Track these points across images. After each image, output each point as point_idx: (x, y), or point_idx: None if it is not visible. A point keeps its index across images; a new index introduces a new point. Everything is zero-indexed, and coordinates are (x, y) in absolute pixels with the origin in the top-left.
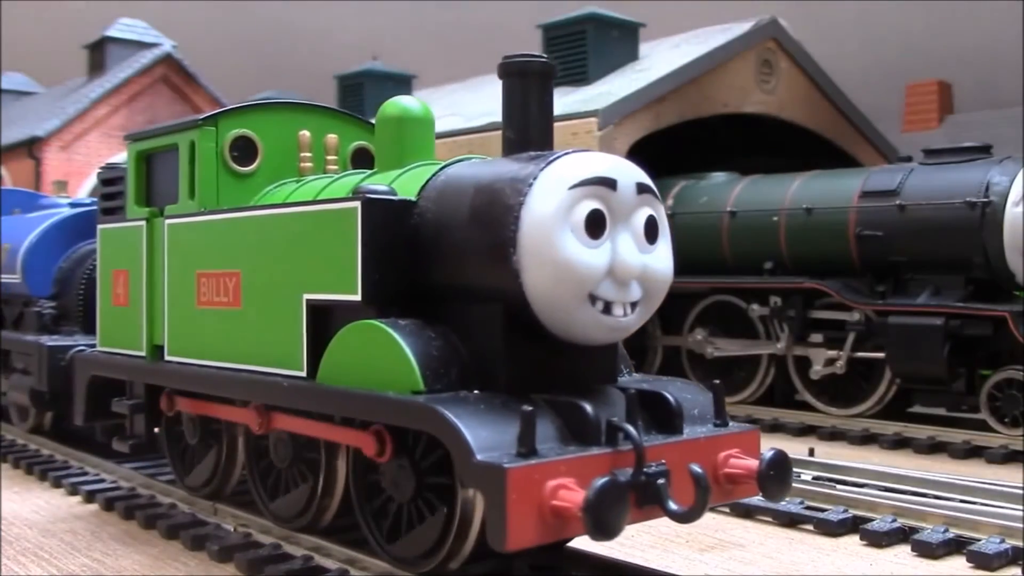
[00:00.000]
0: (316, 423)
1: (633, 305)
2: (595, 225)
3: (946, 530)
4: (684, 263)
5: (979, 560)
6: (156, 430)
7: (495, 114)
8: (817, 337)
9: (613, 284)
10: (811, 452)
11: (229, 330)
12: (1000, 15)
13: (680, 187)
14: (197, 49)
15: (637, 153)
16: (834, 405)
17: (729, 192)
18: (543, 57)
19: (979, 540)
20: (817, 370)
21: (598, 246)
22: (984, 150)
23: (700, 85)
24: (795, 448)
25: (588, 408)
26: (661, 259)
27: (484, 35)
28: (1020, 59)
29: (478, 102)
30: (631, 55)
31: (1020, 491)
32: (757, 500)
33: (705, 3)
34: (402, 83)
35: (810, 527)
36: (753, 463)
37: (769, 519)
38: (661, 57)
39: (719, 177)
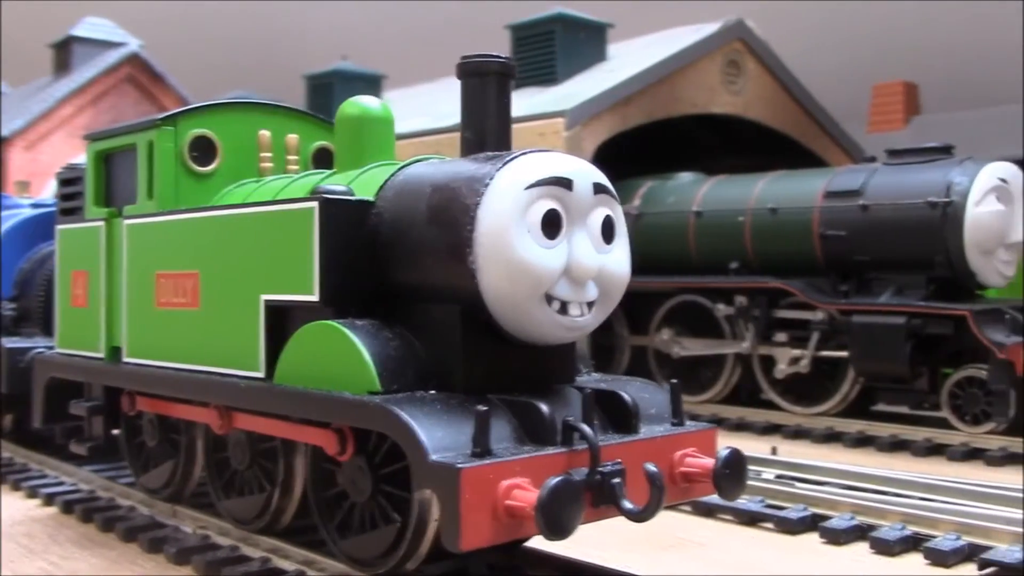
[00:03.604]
0: (278, 422)
1: (590, 305)
2: (551, 225)
3: (904, 527)
4: (651, 263)
5: (935, 557)
6: (115, 432)
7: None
8: (782, 336)
9: (569, 284)
10: (774, 451)
11: (188, 331)
12: (967, 16)
13: (647, 187)
14: (166, 48)
15: (606, 153)
16: (799, 404)
17: (695, 192)
18: (502, 57)
19: (936, 537)
20: (781, 369)
21: (554, 246)
22: (946, 151)
23: (668, 86)
24: (759, 447)
25: (544, 408)
26: (618, 259)
27: (454, 35)
28: (986, 60)
29: (448, 102)
30: (599, 55)
31: (978, 489)
32: (718, 499)
33: (674, 4)
34: (372, 83)
35: (770, 525)
36: (709, 462)
37: (730, 518)
38: (629, 58)
39: (686, 177)
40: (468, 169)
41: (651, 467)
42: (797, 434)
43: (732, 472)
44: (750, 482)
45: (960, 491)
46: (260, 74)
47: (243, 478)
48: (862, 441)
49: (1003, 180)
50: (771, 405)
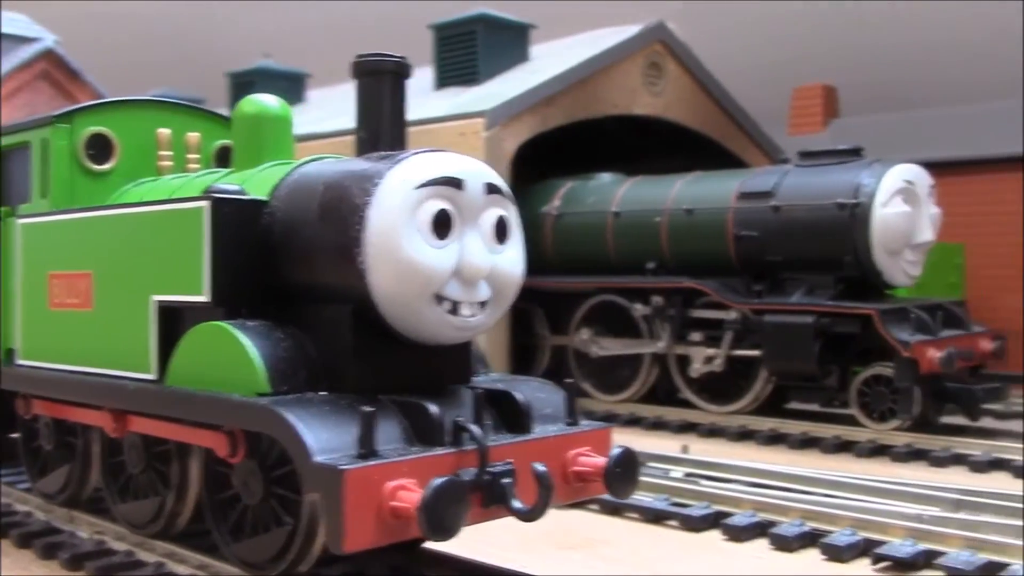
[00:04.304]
0: (170, 425)
1: (482, 305)
2: (441, 225)
3: (802, 524)
4: (571, 263)
5: (832, 552)
6: (13, 436)
7: None
8: (697, 336)
9: (460, 284)
10: (684, 449)
11: (81, 332)
12: (886, 21)
13: (568, 187)
14: (88, 46)
15: (530, 153)
16: (714, 403)
17: (614, 193)
18: (396, 57)
19: (833, 533)
20: (696, 368)
21: (444, 246)
22: (855, 153)
23: (589, 87)
24: (674, 445)
25: (432, 408)
26: (511, 259)
27: (378, 34)
28: (904, 64)
29: None
30: (521, 56)
31: (877, 485)
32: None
33: (597, 4)
34: (295, 81)
35: (675, 523)
36: (601, 461)
37: (636, 516)
38: (551, 58)
39: (605, 178)
40: (359, 168)
41: (539, 467)
42: (712, 432)
43: (624, 471)
44: (658, 480)
45: (861, 487)
46: (183, 72)
47: (138, 482)
48: (774, 439)
49: (909, 182)
50: (687, 404)
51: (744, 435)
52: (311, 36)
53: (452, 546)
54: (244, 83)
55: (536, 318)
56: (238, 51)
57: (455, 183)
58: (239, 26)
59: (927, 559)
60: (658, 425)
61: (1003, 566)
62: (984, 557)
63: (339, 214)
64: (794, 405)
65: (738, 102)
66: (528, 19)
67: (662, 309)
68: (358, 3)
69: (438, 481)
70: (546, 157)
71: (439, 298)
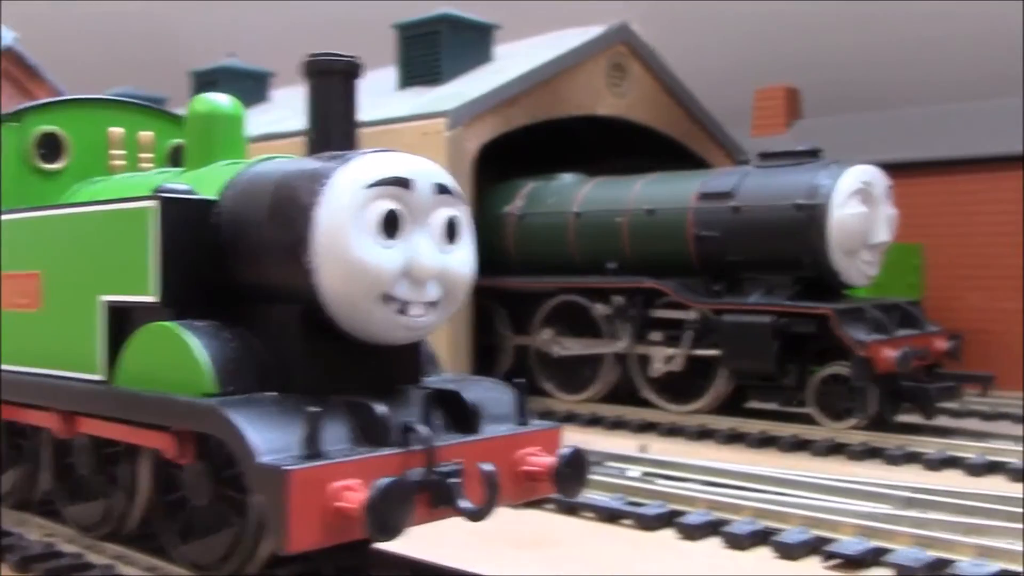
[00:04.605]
0: (119, 426)
1: (432, 305)
2: (390, 225)
3: (754, 522)
4: (534, 263)
5: (783, 550)
6: None
7: None
8: (657, 336)
9: (409, 284)
10: (642, 448)
11: (30, 333)
12: (849, 23)
13: (530, 188)
14: (49, 44)
15: (494, 153)
16: (674, 402)
17: (576, 193)
18: (347, 56)
19: (784, 530)
20: (656, 368)
21: (393, 246)
22: (813, 154)
23: (551, 87)
24: (634, 445)
25: (379, 409)
26: (461, 260)
27: (342, 33)
28: (865, 65)
29: None
30: (485, 56)
31: (833, 483)
32: (580, 496)
33: (562, 5)
34: (259, 80)
35: (629, 522)
36: (550, 460)
37: (592, 515)
38: (514, 59)
39: (567, 178)
40: (308, 168)
41: (486, 466)
42: (671, 431)
43: (572, 470)
44: (615, 480)
45: (812, 485)
46: (147, 70)
47: (88, 484)
48: (733, 438)
49: (866, 183)
50: (648, 404)
51: (703, 434)
52: (275, 35)
53: (405, 546)
54: (207, 82)
55: (499, 318)
56: (202, 50)
57: (404, 183)
58: (203, 25)
59: (876, 556)
60: (619, 424)
61: (950, 563)
62: (932, 554)
63: (287, 214)
64: (753, 404)
65: (701, 103)
66: (492, 19)
67: (623, 309)
68: (322, 2)
69: (383, 482)
70: (510, 157)
71: (388, 298)
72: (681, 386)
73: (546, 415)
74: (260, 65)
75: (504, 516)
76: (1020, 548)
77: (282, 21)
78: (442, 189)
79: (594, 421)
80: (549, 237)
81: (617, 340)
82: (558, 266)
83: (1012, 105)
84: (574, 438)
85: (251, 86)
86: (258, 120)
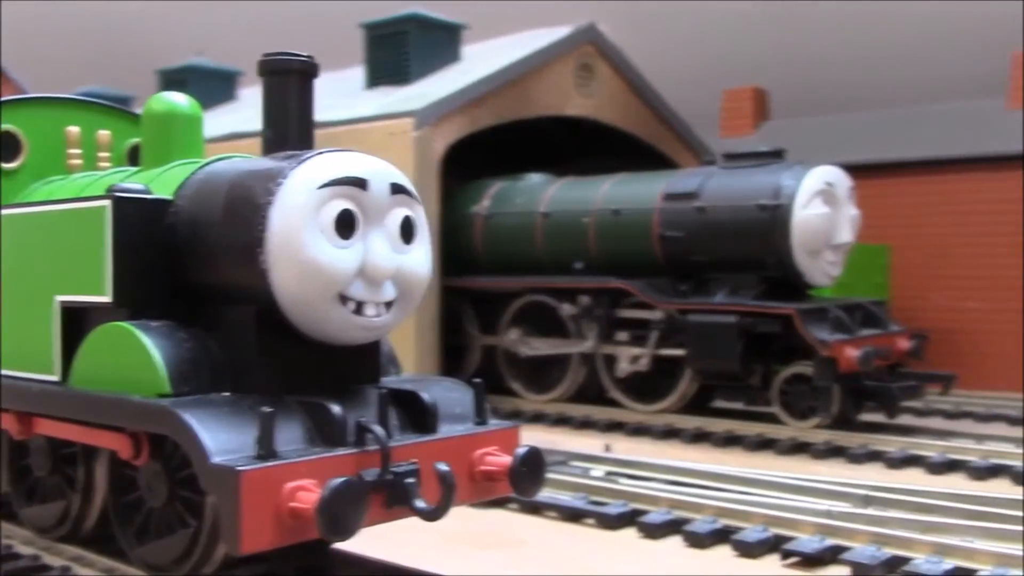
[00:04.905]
0: (75, 427)
1: (388, 305)
2: (345, 225)
3: (716, 521)
4: (501, 263)
5: (743, 549)
6: None
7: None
8: (623, 335)
9: (365, 284)
10: (607, 448)
11: None
12: (817, 25)
13: (498, 188)
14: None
15: (464, 154)
16: (641, 402)
17: (543, 193)
18: (303, 56)
19: (744, 529)
20: (623, 368)
21: (348, 246)
22: (777, 155)
23: (519, 87)
24: (600, 444)
25: (335, 409)
26: (418, 260)
27: (310, 33)
28: (835, 67)
29: None
30: (453, 56)
31: (793, 482)
32: (543, 496)
33: (531, 5)
34: (227, 79)
35: (592, 521)
36: (507, 460)
37: (555, 515)
38: (482, 59)
39: (535, 178)
40: (263, 168)
41: (442, 466)
42: (638, 431)
43: (529, 470)
44: (579, 480)
45: (773, 484)
46: (116, 69)
47: (45, 485)
48: (698, 437)
49: (829, 184)
50: (615, 403)
51: (669, 434)
52: (245, 34)
53: (366, 546)
54: (175, 81)
55: (467, 318)
56: (171, 48)
57: (359, 183)
58: (172, 23)
59: (834, 554)
60: (586, 424)
61: (906, 560)
62: (889, 552)
63: (242, 214)
64: (719, 404)
65: (669, 104)
66: (461, 19)
67: (589, 309)
68: (292, 1)
69: (335, 482)
70: (478, 158)
71: (343, 298)
72: (648, 386)
73: (514, 415)
74: (229, 64)
75: (467, 516)
76: (976, 546)
77: (251, 20)
78: (398, 189)
79: (561, 421)
80: (516, 237)
81: (584, 340)
82: (525, 266)
83: (977, 107)
84: (541, 438)
85: (219, 85)
86: (225, 119)
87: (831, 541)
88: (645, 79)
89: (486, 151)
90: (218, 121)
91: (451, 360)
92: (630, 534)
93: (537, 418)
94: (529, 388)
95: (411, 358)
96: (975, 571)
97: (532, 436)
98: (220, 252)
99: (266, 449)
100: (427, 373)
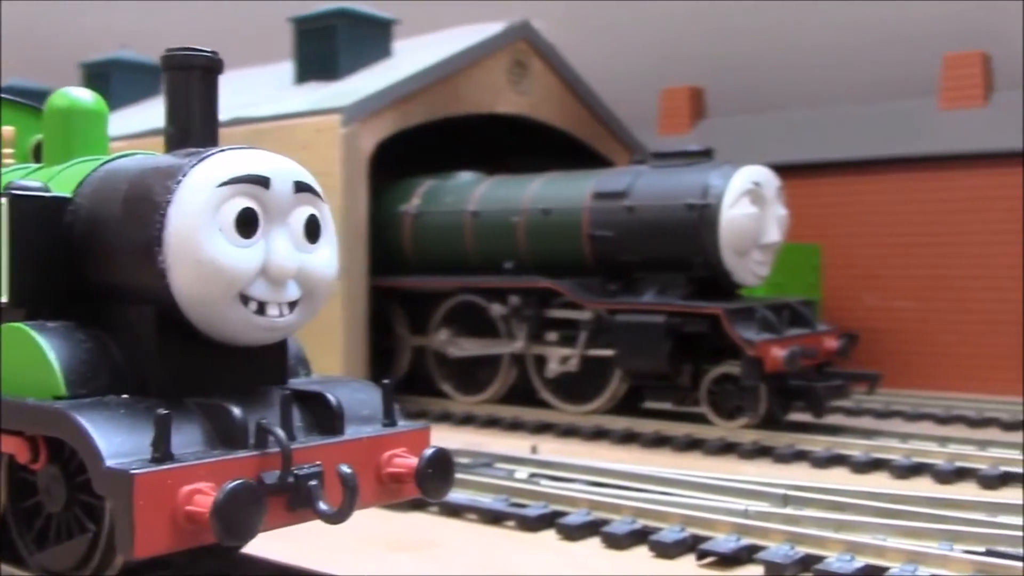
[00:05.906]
0: None
1: (292, 305)
2: (246, 224)
3: (634, 521)
4: (431, 263)
5: (660, 549)
6: None
7: (240, 108)
8: (553, 336)
9: (267, 284)
10: (533, 449)
11: None
12: (753, 25)
13: (427, 186)
14: None
15: (395, 151)
16: (571, 403)
17: (473, 192)
18: (207, 51)
19: (662, 529)
20: (552, 368)
21: (249, 245)
22: (706, 154)
23: (450, 84)
24: (528, 446)
25: (234, 410)
26: (323, 259)
27: (239, 27)
28: (771, 67)
29: (227, 96)
30: (384, 52)
31: (713, 482)
32: (463, 498)
33: (464, 2)
34: (152, 73)
35: (512, 523)
36: (413, 461)
37: (475, 517)
38: (414, 55)
39: (464, 177)
40: (163, 165)
41: (344, 468)
42: (567, 432)
43: (436, 471)
44: (502, 482)
45: (693, 484)
46: (36, 62)
47: None
48: (627, 438)
49: (757, 184)
50: (546, 404)
51: (599, 434)
52: (172, 27)
53: (277, 549)
54: (98, 74)
55: (396, 319)
56: (97, 41)
57: (261, 181)
58: (99, 15)
59: (749, 554)
60: (516, 426)
61: (819, 559)
62: (803, 551)
63: (140, 212)
64: (649, 405)
65: (606, 102)
66: (393, 15)
67: (519, 309)
68: None
69: (230, 484)
70: (413, 156)
71: (245, 298)
72: (578, 387)
73: (444, 417)
74: (157, 58)
75: (385, 518)
76: (887, 544)
77: (182, 14)
78: (302, 187)
79: (491, 422)
80: (446, 236)
81: (514, 341)
82: (455, 266)
83: (909, 108)
84: (470, 439)
85: (145, 79)
86: (148, 114)
87: (747, 541)
88: (581, 77)
89: (419, 150)
90: (141, 116)
91: (381, 362)
92: (549, 536)
93: (467, 420)
94: (459, 390)
95: (339, 359)
96: (886, 569)
97: (461, 438)
98: (119, 251)
99: (161, 452)
100: (355, 375)
